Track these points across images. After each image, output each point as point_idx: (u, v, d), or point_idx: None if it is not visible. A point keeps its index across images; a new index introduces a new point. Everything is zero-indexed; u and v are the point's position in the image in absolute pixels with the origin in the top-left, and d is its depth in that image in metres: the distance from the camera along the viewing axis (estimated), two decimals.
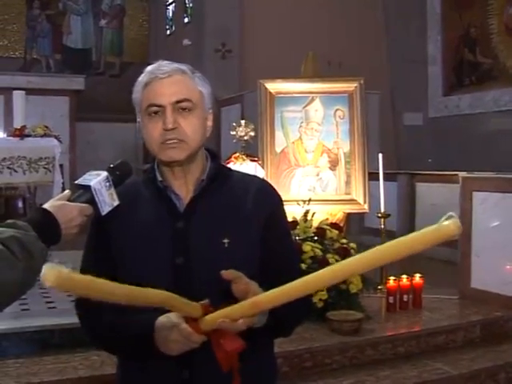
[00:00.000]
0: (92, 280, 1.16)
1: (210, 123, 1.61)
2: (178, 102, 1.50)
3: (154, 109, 1.51)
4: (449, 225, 1.07)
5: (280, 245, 1.59)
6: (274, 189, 1.68)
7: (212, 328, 1.35)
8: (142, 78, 1.54)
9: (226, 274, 1.36)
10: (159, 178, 1.58)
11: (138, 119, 1.58)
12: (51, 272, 1.08)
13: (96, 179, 1.48)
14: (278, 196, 1.66)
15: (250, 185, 1.62)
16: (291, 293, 1.25)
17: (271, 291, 1.28)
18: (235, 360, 1.37)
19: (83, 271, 1.53)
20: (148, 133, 1.53)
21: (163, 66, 1.53)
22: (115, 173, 1.53)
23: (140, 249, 1.52)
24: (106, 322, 1.51)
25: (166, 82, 1.51)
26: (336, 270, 1.22)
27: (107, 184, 1.49)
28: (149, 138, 1.53)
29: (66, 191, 1.51)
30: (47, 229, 1.37)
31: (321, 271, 1.24)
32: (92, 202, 1.48)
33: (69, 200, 1.47)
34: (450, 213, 1.09)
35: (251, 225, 1.54)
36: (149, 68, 1.55)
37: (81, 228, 1.48)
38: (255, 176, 1.80)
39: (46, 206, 1.43)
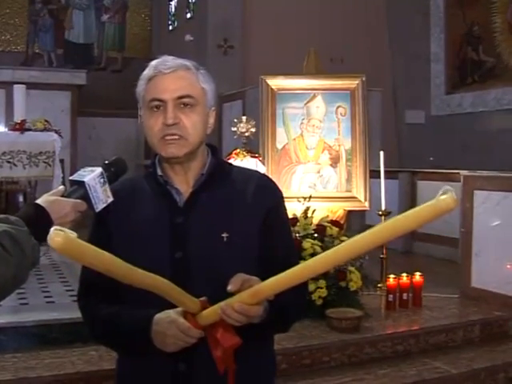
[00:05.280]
0: (96, 250, 1.17)
1: (211, 121, 1.60)
2: (180, 97, 1.51)
3: (156, 103, 1.51)
4: (446, 199, 1.08)
5: (279, 240, 1.58)
6: (275, 184, 1.68)
7: (210, 322, 1.35)
8: (147, 72, 1.55)
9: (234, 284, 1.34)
10: (159, 173, 1.58)
11: (139, 113, 1.58)
12: (59, 234, 1.08)
13: (90, 175, 1.47)
14: (279, 191, 1.66)
15: (251, 179, 1.61)
16: (291, 280, 1.25)
17: (270, 279, 1.27)
18: (231, 360, 1.36)
19: (83, 268, 1.52)
20: (149, 127, 1.53)
21: (168, 61, 1.53)
22: (110, 169, 1.52)
23: (139, 244, 1.52)
24: (105, 314, 1.52)
25: (170, 77, 1.51)
26: (335, 253, 1.20)
27: (101, 180, 1.48)
28: (149, 132, 1.53)
29: (61, 187, 1.51)
30: (39, 224, 1.35)
31: (320, 255, 1.23)
32: (86, 198, 1.46)
33: (63, 196, 1.46)
34: (446, 186, 1.09)
35: (251, 219, 1.54)
36: (153, 62, 1.55)
37: (74, 224, 1.46)
38: (256, 171, 1.79)
39: (38, 201, 1.42)
